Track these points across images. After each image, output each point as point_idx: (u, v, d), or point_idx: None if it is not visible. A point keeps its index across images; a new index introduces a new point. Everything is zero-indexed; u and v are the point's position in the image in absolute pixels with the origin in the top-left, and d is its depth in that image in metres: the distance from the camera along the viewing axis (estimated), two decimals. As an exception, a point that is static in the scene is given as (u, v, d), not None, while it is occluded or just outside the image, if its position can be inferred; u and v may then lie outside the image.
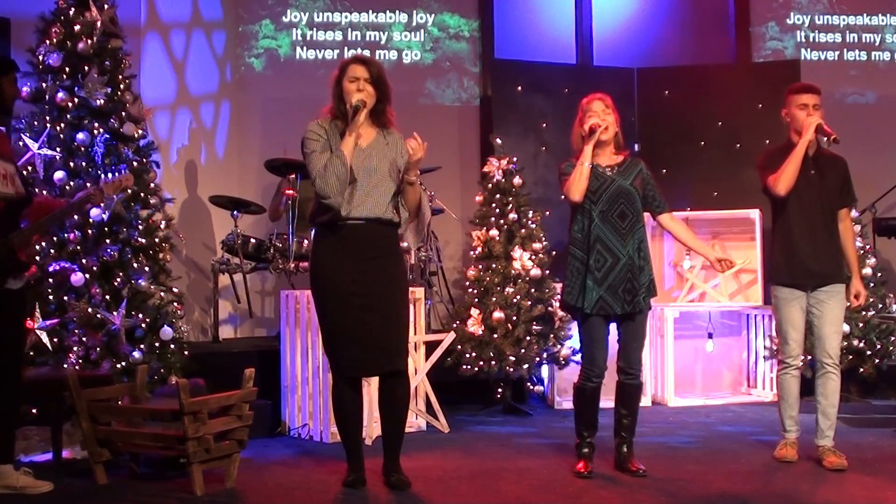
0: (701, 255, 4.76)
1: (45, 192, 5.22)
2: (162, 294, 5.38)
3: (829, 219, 4.66)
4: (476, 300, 6.22)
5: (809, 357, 4.78)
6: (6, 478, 4.16)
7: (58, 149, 5.31)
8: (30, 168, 5.28)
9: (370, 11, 7.98)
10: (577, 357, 5.90)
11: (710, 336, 6.95)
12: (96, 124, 5.35)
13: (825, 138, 4.59)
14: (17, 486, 4.14)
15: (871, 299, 6.48)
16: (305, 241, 6.27)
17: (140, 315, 5.18)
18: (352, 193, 4.14)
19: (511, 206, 6.28)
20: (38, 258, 5.18)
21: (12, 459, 4.25)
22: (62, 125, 5.33)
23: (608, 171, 4.44)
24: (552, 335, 6.19)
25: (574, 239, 4.44)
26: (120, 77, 5.49)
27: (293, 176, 6.42)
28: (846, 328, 6.30)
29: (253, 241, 6.49)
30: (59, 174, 5.25)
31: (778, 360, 4.80)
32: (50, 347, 5.06)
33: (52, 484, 4.20)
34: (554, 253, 6.48)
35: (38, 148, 5.28)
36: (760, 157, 4.79)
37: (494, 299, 6.14)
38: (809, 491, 4.20)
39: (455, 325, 6.23)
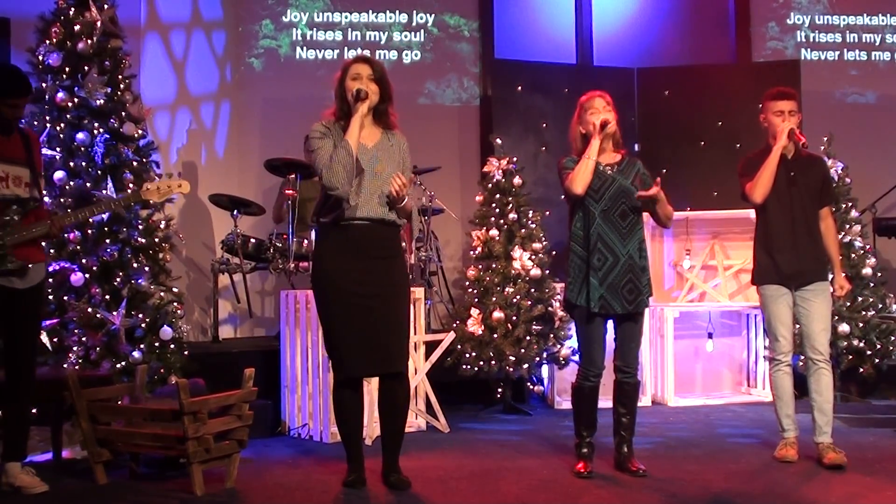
0: (661, 210, 4.48)
1: (44, 192, 5.22)
2: (162, 294, 5.38)
3: (810, 219, 4.72)
4: (476, 300, 6.22)
5: (802, 356, 4.80)
6: (10, 475, 4.16)
7: (58, 149, 5.31)
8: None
9: (370, 11, 7.98)
10: (577, 357, 5.90)
11: (710, 336, 6.95)
12: (96, 124, 5.35)
13: (799, 144, 4.66)
14: (14, 485, 4.15)
15: (871, 299, 6.49)
16: (305, 241, 6.27)
17: (140, 315, 5.18)
18: (356, 194, 4.14)
19: (511, 206, 6.28)
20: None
21: (19, 458, 4.22)
22: (62, 125, 5.34)
23: (609, 170, 4.44)
24: (552, 335, 6.19)
25: (575, 236, 4.44)
26: (120, 77, 5.49)
27: (293, 176, 6.42)
28: (846, 328, 6.32)
29: (253, 241, 6.49)
30: (59, 174, 5.25)
31: (770, 359, 4.81)
32: (50, 347, 5.06)
33: (46, 486, 4.19)
34: (554, 253, 6.49)
35: (38, 148, 5.28)
36: (740, 163, 4.87)
37: (494, 299, 6.14)
38: (809, 491, 4.20)
39: (455, 325, 6.23)
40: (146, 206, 5.48)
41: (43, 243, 4.43)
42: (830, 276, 4.80)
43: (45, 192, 4.52)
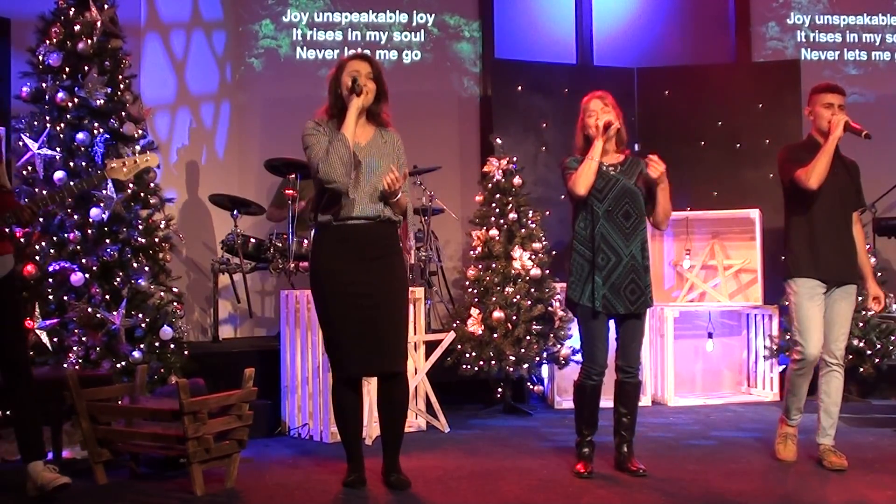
0: (661, 197, 4.48)
1: (44, 192, 5.23)
2: (162, 294, 5.38)
3: (848, 219, 4.68)
4: (476, 300, 6.22)
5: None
6: (34, 476, 4.07)
7: (58, 149, 5.31)
8: (30, 168, 5.28)
9: (370, 11, 7.98)
10: (577, 356, 5.91)
11: (710, 336, 6.95)
12: (96, 124, 5.35)
13: (859, 135, 4.56)
14: (38, 485, 4.05)
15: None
16: (305, 241, 6.27)
17: (140, 315, 5.18)
18: (353, 188, 4.12)
19: (511, 206, 6.28)
20: (38, 258, 5.18)
21: (41, 456, 4.13)
22: (62, 125, 5.33)
23: (612, 171, 4.44)
24: (552, 335, 6.19)
25: (578, 236, 4.45)
26: (120, 77, 5.49)
27: (293, 176, 6.42)
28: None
29: (253, 240, 6.49)
30: (59, 174, 5.24)
31: (793, 359, 4.69)
32: (50, 347, 5.06)
33: (68, 478, 4.08)
34: (554, 253, 6.49)
35: (38, 148, 5.28)
36: (783, 151, 4.75)
37: (494, 299, 6.14)
38: (809, 491, 4.20)
39: (455, 325, 6.23)
40: (146, 206, 5.47)
41: (36, 238, 4.36)
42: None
43: (10, 181, 4.35)
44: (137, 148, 5.41)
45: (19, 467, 4.25)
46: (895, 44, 8.52)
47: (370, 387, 4.96)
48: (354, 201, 4.13)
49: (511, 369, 6.08)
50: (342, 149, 4.06)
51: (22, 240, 5.18)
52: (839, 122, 4.56)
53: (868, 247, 6.63)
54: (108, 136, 5.35)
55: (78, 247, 5.22)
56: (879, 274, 6.62)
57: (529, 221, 6.31)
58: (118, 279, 5.20)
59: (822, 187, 4.54)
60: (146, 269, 5.32)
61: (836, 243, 4.61)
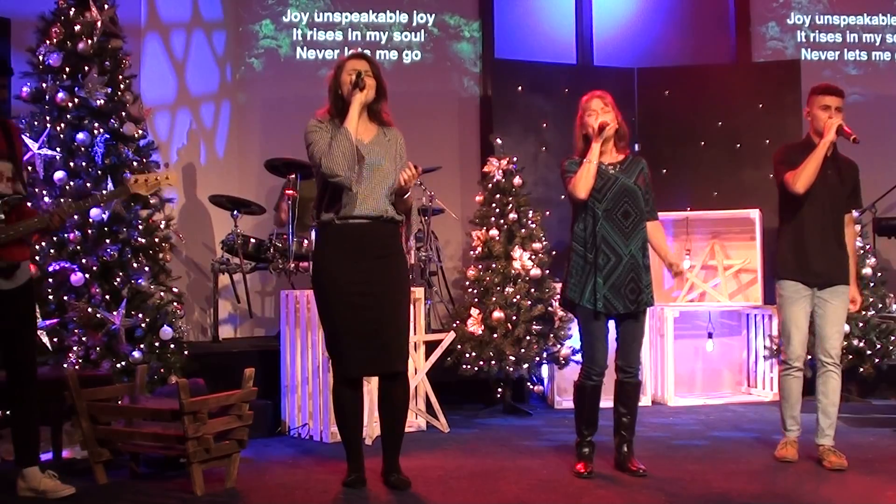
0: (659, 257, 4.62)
1: (44, 192, 5.23)
2: (162, 294, 5.38)
3: (838, 220, 4.69)
4: (476, 300, 6.22)
5: (810, 357, 4.78)
6: (30, 480, 4.08)
7: (58, 149, 5.31)
8: (30, 168, 5.28)
9: (370, 11, 7.98)
10: (577, 356, 5.91)
11: (710, 336, 6.95)
12: (96, 124, 5.35)
13: (849, 139, 4.57)
14: (39, 490, 4.06)
15: (871, 299, 6.48)
16: (305, 241, 6.27)
17: (140, 315, 5.18)
18: (357, 183, 4.12)
19: (511, 206, 6.28)
20: (37, 258, 5.18)
21: (35, 462, 4.15)
22: (62, 125, 5.34)
23: (611, 170, 4.44)
24: (552, 335, 6.19)
25: (577, 237, 4.44)
26: (120, 77, 5.49)
27: (293, 176, 6.42)
28: (846, 328, 6.30)
29: (253, 241, 6.50)
30: (59, 174, 5.25)
31: (780, 361, 4.80)
32: (50, 347, 5.06)
33: (73, 488, 4.11)
34: (554, 253, 6.48)
35: (38, 148, 5.28)
36: (778, 151, 4.78)
37: (494, 299, 6.14)
38: (810, 491, 4.20)
39: (455, 325, 6.23)
40: (146, 206, 5.48)
41: (36, 240, 4.35)
42: None
43: (28, 186, 4.34)
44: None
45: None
46: (895, 44, 8.52)
47: (370, 387, 4.96)
48: (357, 198, 4.12)
49: (511, 369, 6.08)
50: (345, 142, 4.06)
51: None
52: (832, 126, 4.56)
53: (868, 247, 6.67)
54: (108, 136, 5.36)
55: (78, 247, 5.23)
56: (879, 274, 6.64)
57: (529, 221, 6.31)
58: (118, 279, 5.20)
59: (813, 190, 4.56)
60: (146, 269, 5.32)
61: (823, 246, 4.62)
